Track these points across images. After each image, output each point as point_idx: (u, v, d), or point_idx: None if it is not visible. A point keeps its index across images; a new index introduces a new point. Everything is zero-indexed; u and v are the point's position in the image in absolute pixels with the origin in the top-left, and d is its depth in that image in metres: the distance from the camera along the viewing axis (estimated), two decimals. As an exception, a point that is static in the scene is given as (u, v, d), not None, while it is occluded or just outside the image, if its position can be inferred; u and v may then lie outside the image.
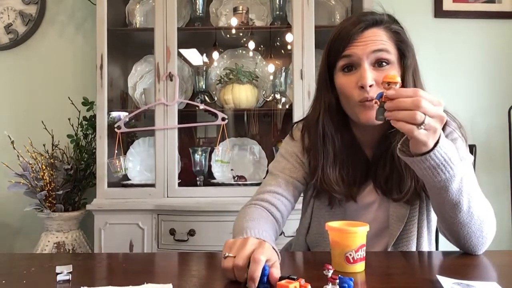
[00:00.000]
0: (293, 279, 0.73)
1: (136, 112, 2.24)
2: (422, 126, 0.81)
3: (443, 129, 0.95)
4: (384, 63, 1.03)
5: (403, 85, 1.01)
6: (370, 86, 1.00)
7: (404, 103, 0.82)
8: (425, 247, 1.11)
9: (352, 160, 1.12)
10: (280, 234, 1.94)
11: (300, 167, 1.17)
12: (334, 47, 1.07)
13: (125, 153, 2.29)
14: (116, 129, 2.14)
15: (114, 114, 2.27)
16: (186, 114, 2.26)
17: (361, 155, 1.13)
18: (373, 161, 1.12)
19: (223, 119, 2.11)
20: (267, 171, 1.24)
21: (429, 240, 1.14)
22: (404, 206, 1.08)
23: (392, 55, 1.04)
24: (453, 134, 1.09)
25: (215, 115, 2.15)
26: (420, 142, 0.84)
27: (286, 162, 1.18)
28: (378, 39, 1.03)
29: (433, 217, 1.12)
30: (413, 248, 1.10)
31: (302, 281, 0.73)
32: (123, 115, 2.30)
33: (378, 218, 1.13)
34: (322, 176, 1.11)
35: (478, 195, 0.97)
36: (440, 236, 1.43)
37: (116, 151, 2.12)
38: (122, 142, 2.16)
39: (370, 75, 1.01)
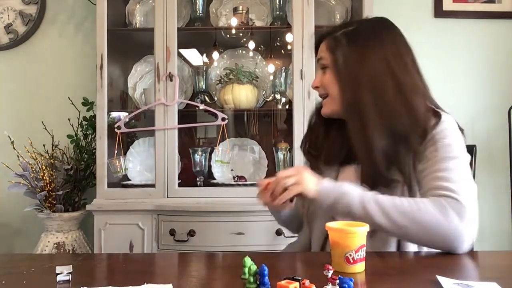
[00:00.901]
0: (298, 280, 0.73)
1: (136, 113, 2.24)
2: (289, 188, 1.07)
3: (434, 127, 1.10)
4: (324, 68, 1.23)
5: (336, 77, 1.21)
6: (317, 87, 1.25)
7: (271, 188, 1.10)
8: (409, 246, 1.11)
9: (339, 141, 1.25)
10: (280, 235, 1.94)
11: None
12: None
13: (125, 154, 2.29)
14: (116, 129, 2.14)
15: (114, 114, 2.27)
16: (186, 114, 2.26)
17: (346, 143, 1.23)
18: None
19: (223, 119, 2.11)
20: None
21: None
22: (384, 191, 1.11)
23: (326, 60, 1.22)
24: (441, 133, 1.11)
25: (215, 115, 2.15)
26: (303, 193, 1.08)
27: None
28: (321, 50, 1.25)
29: None
30: (393, 244, 1.10)
31: (307, 282, 0.73)
32: (123, 115, 2.29)
33: None
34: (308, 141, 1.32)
35: (405, 206, 1.03)
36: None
37: (116, 151, 2.12)
38: (122, 143, 2.16)
39: (316, 79, 1.26)
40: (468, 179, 1.07)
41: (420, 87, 1.18)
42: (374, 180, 1.11)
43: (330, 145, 1.27)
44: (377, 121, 1.11)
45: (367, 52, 1.17)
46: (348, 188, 1.07)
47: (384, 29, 1.22)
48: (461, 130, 1.17)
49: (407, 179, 1.10)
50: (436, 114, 1.15)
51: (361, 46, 1.18)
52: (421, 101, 1.14)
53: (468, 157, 1.12)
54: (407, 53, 1.20)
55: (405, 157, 1.10)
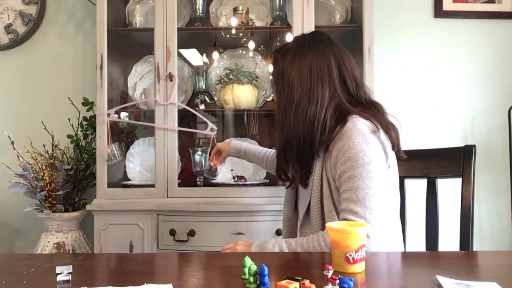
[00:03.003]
0: (298, 280, 0.73)
1: (128, 105, 2.24)
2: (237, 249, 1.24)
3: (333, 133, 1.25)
4: None
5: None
6: None
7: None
8: None
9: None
10: (280, 235, 1.94)
11: None
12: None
13: (125, 154, 2.29)
14: (104, 118, 2.11)
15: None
16: (186, 115, 2.26)
17: None
18: None
19: (211, 129, 2.10)
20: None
21: None
22: (308, 192, 1.33)
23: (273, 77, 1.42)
24: (342, 143, 1.22)
25: (215, 115, 2.15)
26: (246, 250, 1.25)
27: None
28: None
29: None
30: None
31: (307, 282, 0.73)
32: (123, 115, 2.30)
33: (300, 198, 1.42)
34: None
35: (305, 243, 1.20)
36: (440, 236, 1.43)
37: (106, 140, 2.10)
38: (122, 141, 2.14)
39: None
40: (372, 192, 1.16)
41: (325, 97, 1.28)
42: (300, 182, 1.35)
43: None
44: (280, 129, 1.33)
45: (288, 67, 1.32)
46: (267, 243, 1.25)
47: (308, 42, 1.35)
48: (379, 129, 1.25)
49: (317, 182, 1.29)
50: (341, 119, 1.26)
51: (287, 62, 1.33)
52: (320, 111, 1.27)
53: (374, 158, 1.20)
54: (324, 63, 1.30)
55: (310, 160, 1.31)
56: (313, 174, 1.31)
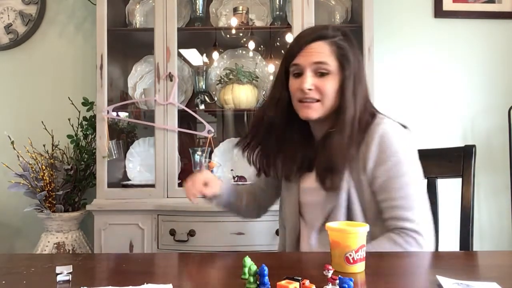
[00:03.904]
0: (298, 280, 0.73)
1: (127, 102, 2.24)
2: None
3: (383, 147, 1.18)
4: (324, 73, 1.21)
5: (343, 89, 1.21)
6: (310, 89, 1.20)
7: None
8: None
9: (299, 147, 1.30)
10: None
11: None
12: (289, 54, 1.27)
13: (125, 154, 2.29)
14: (103, 114, 2.11)
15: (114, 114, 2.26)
16: (186, 115, 2.26)
17: (310, 146, 1.30)
18: (317, 152, 1.26)
19: (209, 132, 2.10)
20: None
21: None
22: (334, 195, 1.21)
23: (331, 66, 1.21)
24: (387, 147, 1.19)
25: (215, 115, 2.15)
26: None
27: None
28: (320, 52, 1.21)
29: (371, 208, 1.20)
30: None
31: (307, 282, 0.73)
32: (123, 115, 2.30)
33: (314, 203, 1.27)
34: (262, 155, 1.35)
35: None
36: (440, 237, 1.43)
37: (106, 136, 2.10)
38: (123, 143, 2.14)
39: (309, 80, 1.21)
40: (421, 198, 1.17)
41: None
42: (332, 185, 1.20)
43: (289, 156, 1.31)
44: (357, 132, 1.21)
45: (362, 70, 1.26)
46: None
47: (355, 42, 1.28)
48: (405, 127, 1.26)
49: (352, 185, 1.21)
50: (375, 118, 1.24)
51: (358, 61, 1.25)
52: (368, 105, 1.26)
53: (417, 162, 1.22)
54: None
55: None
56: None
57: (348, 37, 1.25)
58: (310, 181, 1.27)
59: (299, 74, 1.24)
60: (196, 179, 1.36)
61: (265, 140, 1.32)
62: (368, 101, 1.27)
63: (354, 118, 1.20)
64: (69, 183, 2.22)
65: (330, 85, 1.21)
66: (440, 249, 1.37)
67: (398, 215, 1.15)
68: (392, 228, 1.15)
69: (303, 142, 1.30)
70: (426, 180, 1.33)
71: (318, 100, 1.22)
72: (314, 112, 1.23)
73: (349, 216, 1.20)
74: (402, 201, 1.15)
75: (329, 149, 1.20)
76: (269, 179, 1.41)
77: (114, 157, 2.15)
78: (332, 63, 1.21)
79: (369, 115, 1.24)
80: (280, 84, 1.30)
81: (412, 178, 1.18)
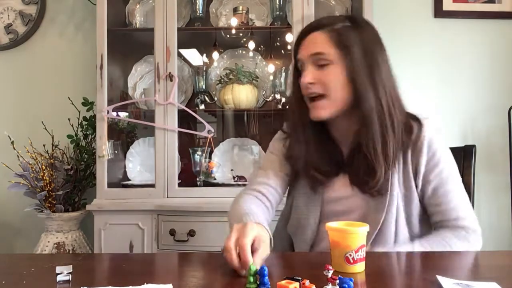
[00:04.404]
0: (298, 280, 0.73)
1: (127, 102, 2.23)
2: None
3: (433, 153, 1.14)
4: (324, 64, 1.12)
5: (353, 78, 1.10)
6: (311, 83, 1.12)
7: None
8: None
9: (324, 153, 1.20)
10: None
11: (287, 162, 1.25)
12: (294, 52, 1.21)
13: (125, 154, 2.29)
14: (103, 114, 2.11)
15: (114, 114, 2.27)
16: (186, 115, 2.26)
17: (335, 150, 1.21)
18: (348, 157, 1.19)
19: (209, 132, 2.10)
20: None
21: (411, 236, 1.17)
22: (380, 197, 1.13)
23: (330, 55, 1.11)
24: (436, 148, 1.16)
25: (215, 115, 2.15)
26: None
27: (274, 157, 1.28)
28: (315, 42, 1.13)
29: (416, 214, 1.17)
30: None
31: (307, 282, 0.73)
32: (123, 115, 2.30)
33: (350, 211, 1.18)
34: (298, 154, 1.20)
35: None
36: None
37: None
38: (121, 143, 2.14)
39: (309, 74, 1.12)
40: (466, 196, 1.18)
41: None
42: (375, 190, 1.13)
43: (323, 158, 1.19)
44: (391, 128, 1.11)
45: (379, 55, 1.15)
46: None
47: (373, 27, 1.19)
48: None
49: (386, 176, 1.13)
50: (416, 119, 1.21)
51: (371, 46, 1.14)
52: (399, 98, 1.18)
53: (456, 174, 1.20)
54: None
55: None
56: (391, 178, 1.13)
57: (355, 21, 1.15)
58: (341, 189, 1.18)
59: (303, 68, 1.16)
60: (243, 246, 0.87)
61: (294, 144, 1.22)
62: (396, 92, 1.17)
63: (379, 110, 1.09)
64: (69, 183, 2.22)
65: (334, 76, 1.10)
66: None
67: (457, 216, 1.13)
68: (452, 227, 1.13)
69: (327, 146, 1.20)
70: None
71: (323, 95, 1.12)
72: (322, 111, 1.13)
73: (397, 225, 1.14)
74: (458, 201, 1.14)
75: (362, 150, 1.11)
76: (285, 183, 1.28)
77: (109, 157, 2.15)
78: (330, 52, 1.11)
79: (407, 115, 1.17)
80: (293, 84, 1.23)
81: (459, 178, 1.18)
